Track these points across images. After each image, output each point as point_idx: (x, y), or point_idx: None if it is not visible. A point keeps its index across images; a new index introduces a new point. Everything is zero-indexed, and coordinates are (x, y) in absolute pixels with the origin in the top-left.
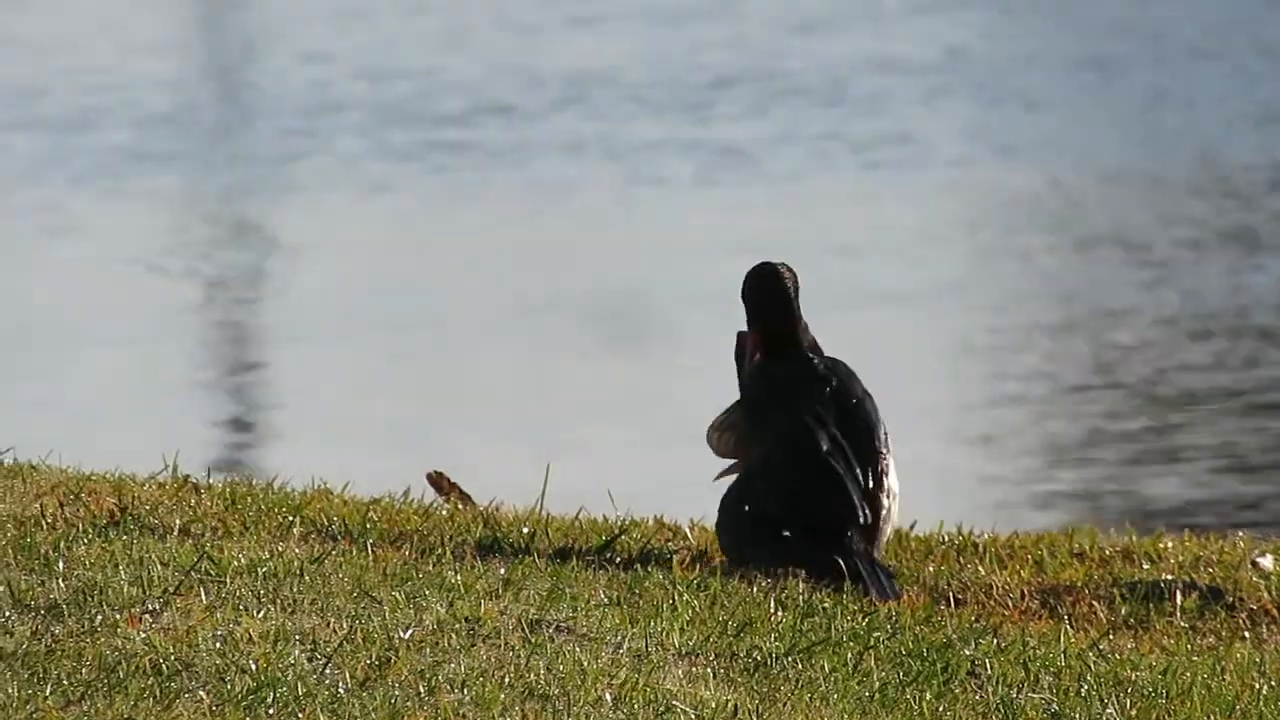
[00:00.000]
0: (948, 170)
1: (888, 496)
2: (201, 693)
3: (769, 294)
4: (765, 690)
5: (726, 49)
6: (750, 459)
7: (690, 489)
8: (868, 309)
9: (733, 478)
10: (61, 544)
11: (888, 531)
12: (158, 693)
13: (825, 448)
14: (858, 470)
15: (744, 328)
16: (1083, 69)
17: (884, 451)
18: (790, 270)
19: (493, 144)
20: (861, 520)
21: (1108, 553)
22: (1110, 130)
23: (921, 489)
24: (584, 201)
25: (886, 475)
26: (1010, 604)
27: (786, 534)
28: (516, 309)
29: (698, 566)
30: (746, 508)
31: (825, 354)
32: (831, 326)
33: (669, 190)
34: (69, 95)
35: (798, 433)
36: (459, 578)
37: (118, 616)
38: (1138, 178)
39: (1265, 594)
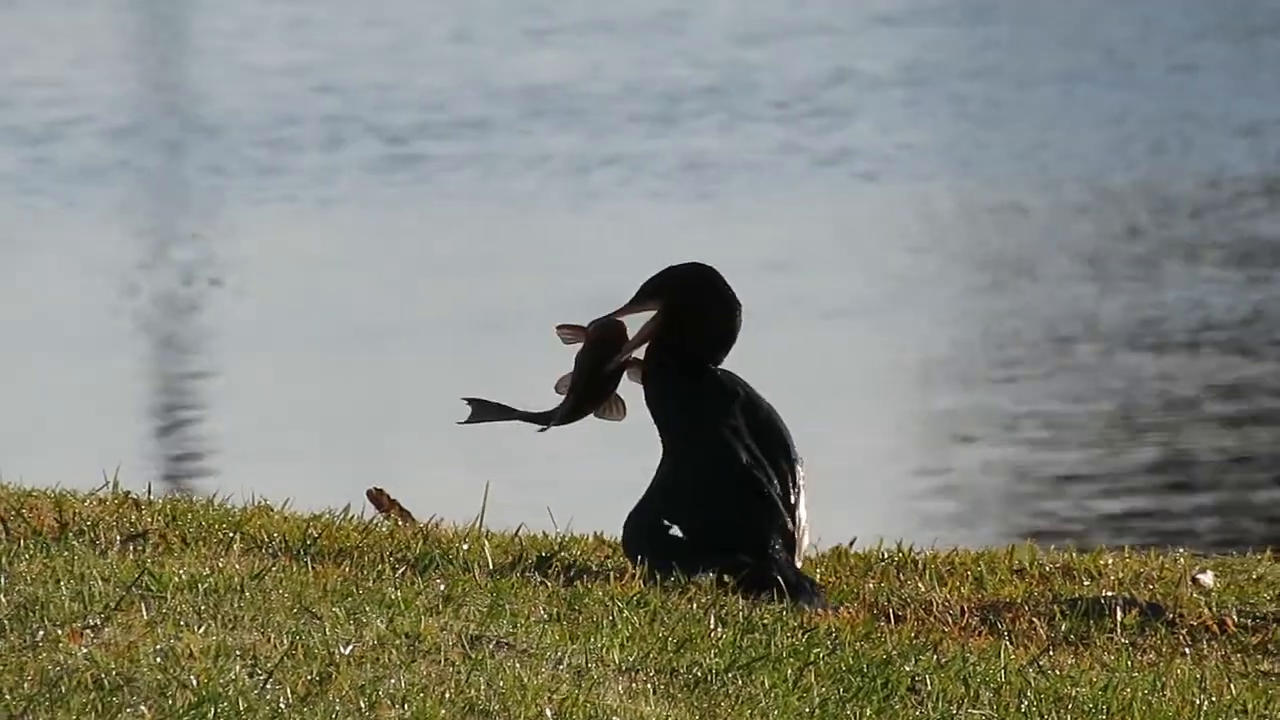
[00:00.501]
0: (898, 184)
1: (804, 507)
2: (143, 708)
3: (726, 302)
4: (705, 706)
5: (683, 62)
6: (664, 470)
7: (630, 504)
8: (808, 323)
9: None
10: (2, 559)
11: (805, 542)
12: (100, 707)
13: (745, 460)
14: (776, 482)
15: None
16: (1041, 82)
17: (798, 462)
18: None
19: (441, 158)
20: (787, 529)
21: (1048, 569)
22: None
23: (861, 505)
24: (535, 214)
25: (802, 486)
26: (950, 620)
27: (709, 548)
28: (460, 323)
29: (637, 582)
30: (666, 524)
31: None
32: (772, 340)
33: (621, 202)
34: (20, 107)
35: (718, 448)
36: (399, 594)
37: (59, 632)
38: (1096, 191)
39: (1205, 610)
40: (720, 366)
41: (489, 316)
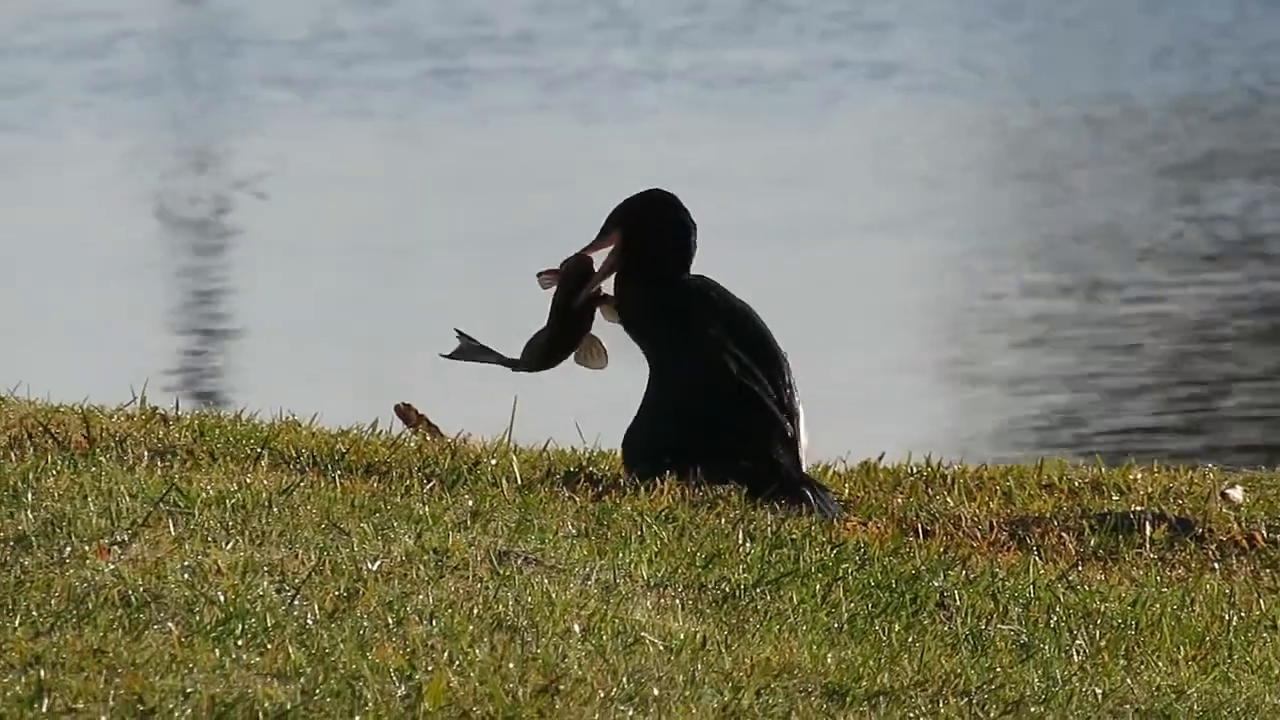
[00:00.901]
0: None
1: (799, 401)
2: (170, 624)
3: (679, 219)
4: (734, 621)
5: None
6: (656, 387)
7: None
8: (830, 239)
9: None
10: (30, 475)
11: (805, 439)
12: (126, 624)
13: (734, 369)
14: (767, 383)
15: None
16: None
17: (784, 357)
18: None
19: (493, 71)
20: (788, 433)
21: (1077, 484)
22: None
23: (889, 420)
24: (581, 128)
25: (792, 378)
26: (979, 535)
27: (711, 462)
28: (486, 238)
29: (666, 497)
30: (663, 438)
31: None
32: (793, 256)
33: (647, 119)
34: (50, 23)
35: (705, 357)
36: (427, 509)
37: (86, 548)
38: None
39: (1234, 525)
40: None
41: (523, 231)
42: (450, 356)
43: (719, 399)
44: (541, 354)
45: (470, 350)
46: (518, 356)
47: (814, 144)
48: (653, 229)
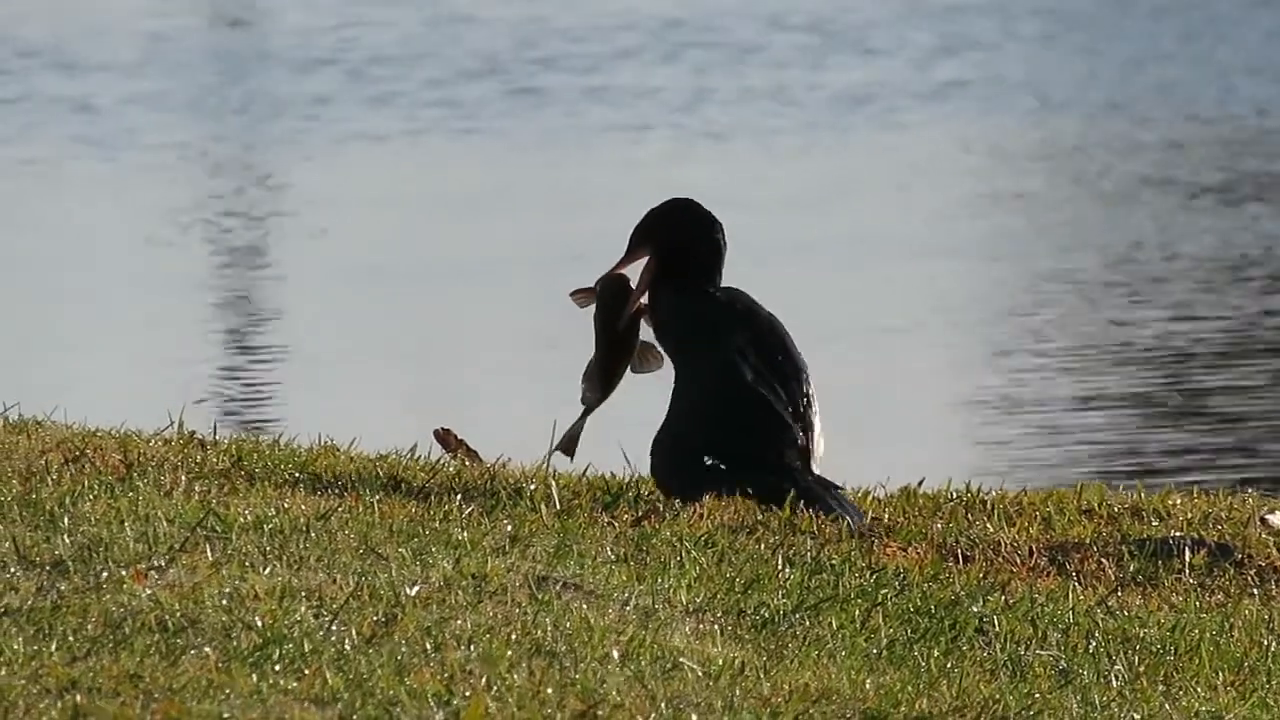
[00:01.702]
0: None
1: (816, 416)
2: (207, 649)
3: (706, 226)
4: (773, 647)
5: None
6: (679, 393)
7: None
8: (865, 264)
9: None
10: (67, 500)
11: (820, 447)
12: (163, 649)
13: (750, 377)
14: (783, 394)
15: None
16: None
17: (804, 368)
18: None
19: (555, 91)
20: (797, 441)
21: (1116, 510)
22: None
23: (929, 446)
24: (601, 151)
25: (811, 390)
26: (1018, 561)
27: (725, 467)
28: (525, 261)
29: (705, 523)
30: (685, 447)
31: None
32: (828, 280)
33: (687, 140)
34: (78, 41)
35: (724, 366)
36: (466, 534)
37: (123, 573)
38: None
39: (1274, 551)
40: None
41: (568, 252)
42: (562, 449)
43: (733, 405)
44: (601, 382)
45: (570, 435)
46: (582, 395)
47: (862, 164)
48: (684, 239)
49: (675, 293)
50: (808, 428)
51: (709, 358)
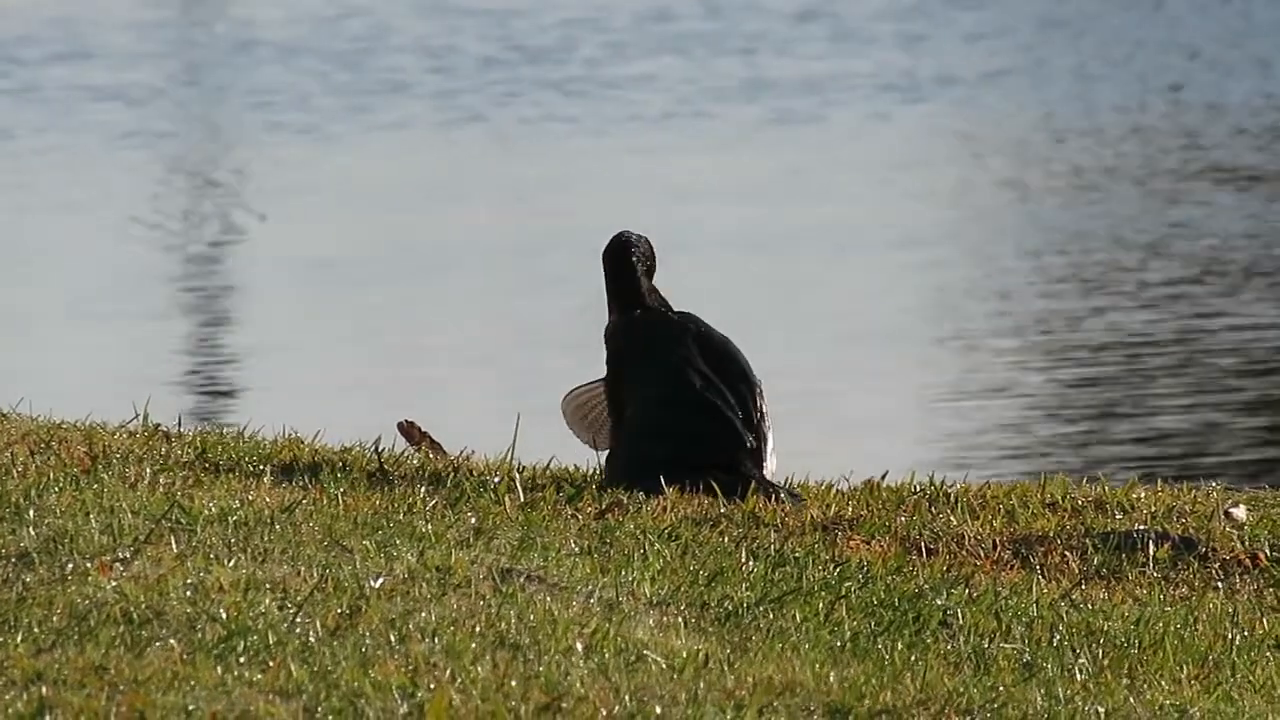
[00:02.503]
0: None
1: (768, 425)
2: (172, 641)
3: (617, 260)
4: (737, 639)
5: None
6: (625, 412)
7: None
8: (835, 256)
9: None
10: (32, 492)
11: (772, 463)
12: (129, 640)
13: (698, 384)
14: (733, 401)
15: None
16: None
17: (757, 384)
18: (641, 240)
19: (472, 87)
20: (748, 445)
21: (1080, 503)
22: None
23: (893, 439)
24: (569, 145)
25: (764, 405)
26: (982, 554)
27: (679, 469)
28: (489, 252)
29: (669, 515)
30: (636, 456)
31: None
32: (797, 271)
33: (649, 132)
34: (44, 31)
35: (671, 376)
36: (430, 527)
37: (88, 565)
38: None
39: (1238, 544)
40: (678, 310)
41: (531, 243)
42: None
43: (682, 411)
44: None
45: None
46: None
47: (838, 157)
48: (609, 271)
49: (622, 313)
50: (760, 437)
51: (656, 366)
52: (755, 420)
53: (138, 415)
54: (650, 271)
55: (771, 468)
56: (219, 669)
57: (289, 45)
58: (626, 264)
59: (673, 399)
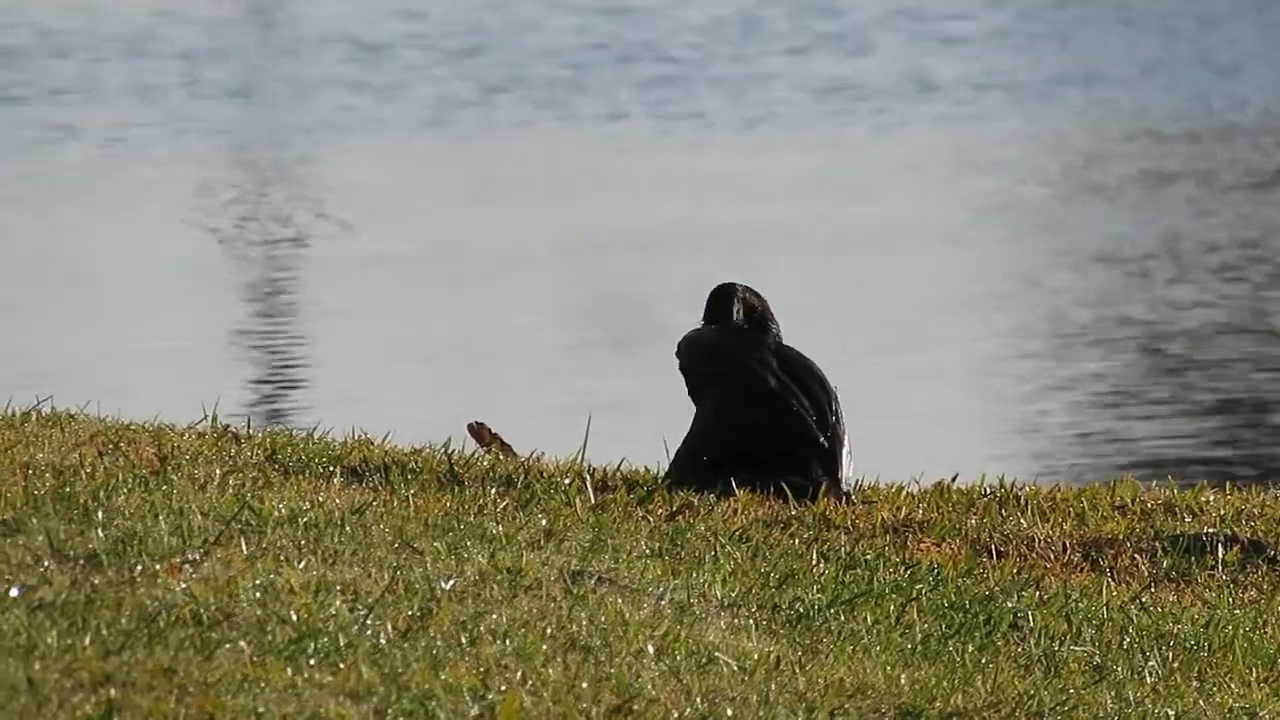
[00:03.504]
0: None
1: (845, 435)
2: (242, 643)
3: (715, 308)
4: (807, 642)
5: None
6: (703, 404)
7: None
8: (888, 255)
9: None
10: (101, 493)
11: (847, 468)
12: (198, 643)
13: (774, 384)
14: (807, 403)
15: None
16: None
17: (834, 395)
18: (748, 291)
19: (542, 89)
20: (820, 441)
21: (1149, 506)
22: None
23: (963, 441)
24: (635, 148)
25: (840, 410)
26: (1052, 556)
27: (749, 469)
28: (557, 252)
29: (740, 518)
30: (705, 457)
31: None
32: (852, 271)
33: (714, 134)
34: (111, 25)
35: (746, 376)
36: (500, 528)
37: (157, 566)
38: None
39: None
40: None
41: (597, 242)
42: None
43: (754, 404)
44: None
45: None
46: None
47: (891, 156)
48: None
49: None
50: (834, 439)
51: (731, 369)
52: (830, 421)
53: (207, 416)
54: (751, 318)
55: (847, 474)
56: (289, 671)
57: (357, 42)
58: (723, 310)
59: (746, 394)
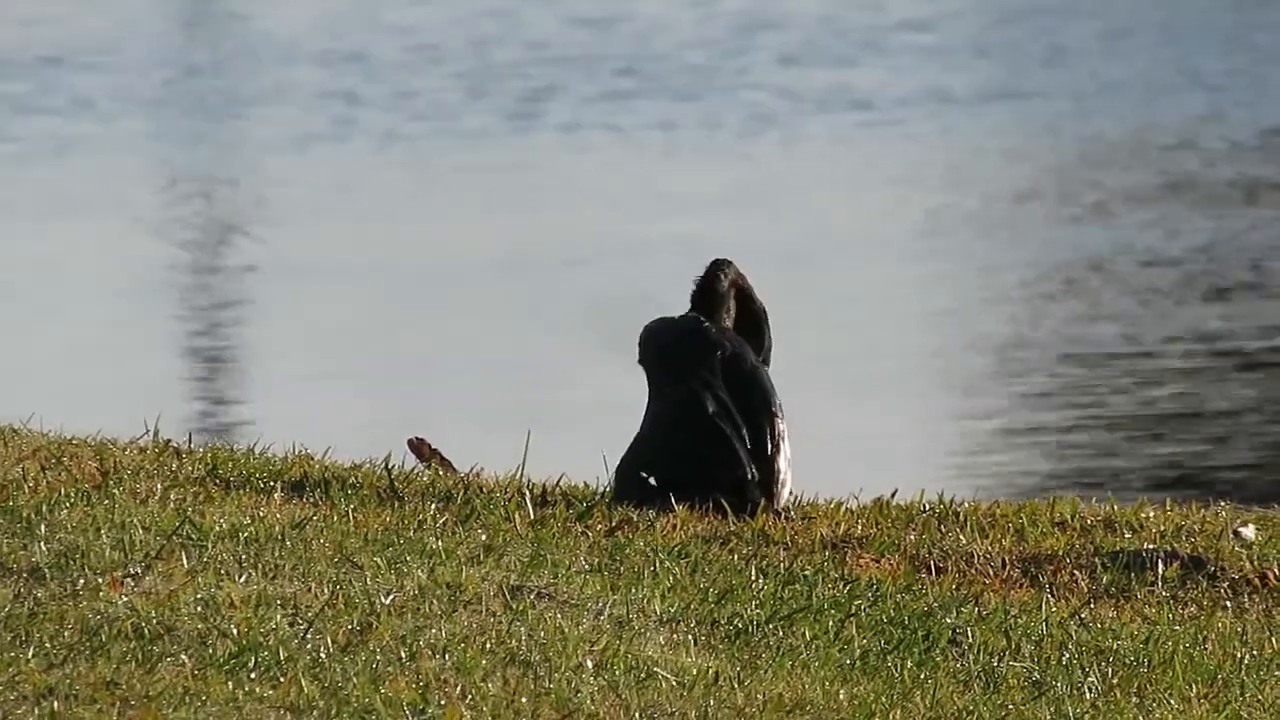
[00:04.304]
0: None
1: (784, 458)
2: (184, 656)
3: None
4: (746, 657)
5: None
6: (644, 421)
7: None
8: (851, 266)
9: None
10: (43, 508)
11: (784, 494)
12: (140, 656)
13: (712, 409)
14: (745, 431)
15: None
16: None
17: (777, 414)
18: (729, 268)
19: (490, 101)
20: (750, 478)
21: (1089, 521)
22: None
23: (901, 457)
24: (583, 163)
25: (781, 437)
26: (991, 572)
27: (685, 492)
28: (496, 267)
29: (679, 533)
30: (642, 472)
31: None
32: (808, 281)
33: (662, 148)
34: (50, 34)
35: (685, 398)
36: (440, 543)
37: (100, 580)
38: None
39: (1247, 563)
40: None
41: (539, 259)
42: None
43: (690, 434)
44: None
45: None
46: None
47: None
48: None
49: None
50: (771, 472)
51: (673, 387)
52: (769, 453)
53: (148, 431)
54: (739, 296)
55: (783, 501)
56: (230, 685)
57: (307, 51)
58: (710, 297)
59: (681, 424)
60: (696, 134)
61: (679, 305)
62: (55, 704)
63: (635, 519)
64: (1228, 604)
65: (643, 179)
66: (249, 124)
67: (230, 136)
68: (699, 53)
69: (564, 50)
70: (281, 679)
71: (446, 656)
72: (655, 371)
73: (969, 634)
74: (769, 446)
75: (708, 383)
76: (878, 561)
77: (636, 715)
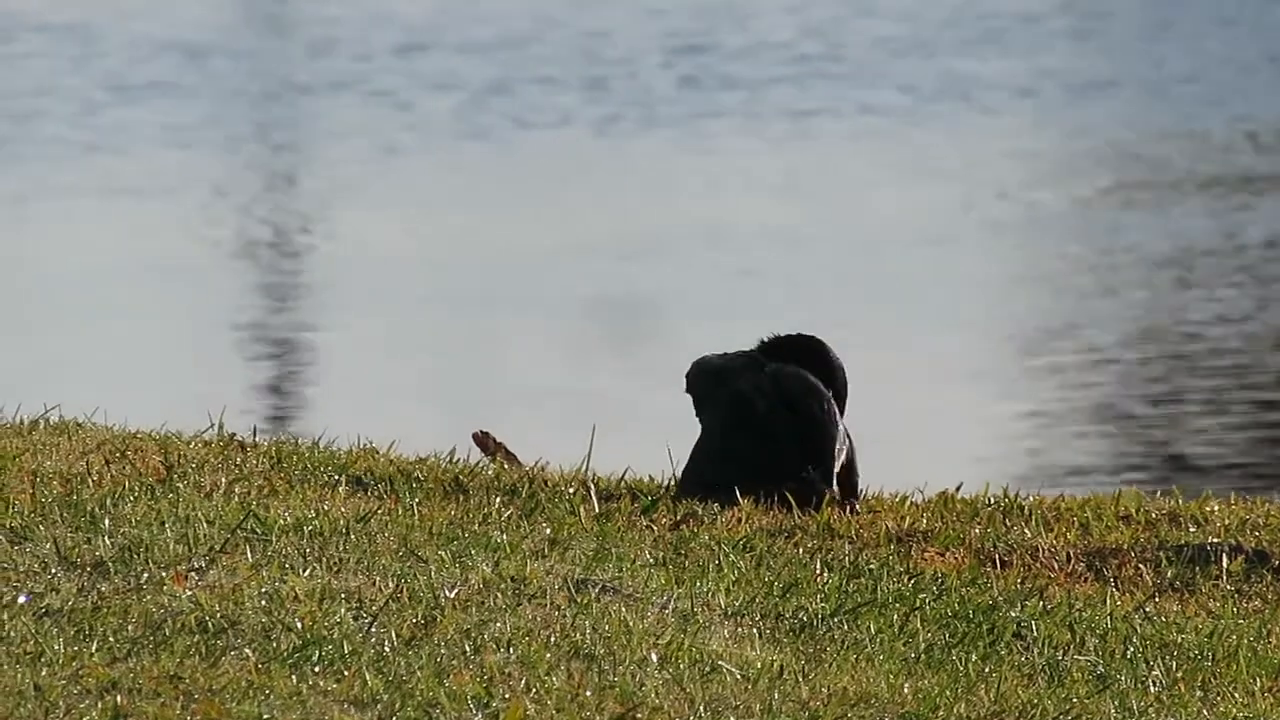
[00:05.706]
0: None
1: (845, 447)
2: (247, 650)
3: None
4: (811, 651)
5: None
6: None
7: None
8: (912, 251)
9: None
10: (108, 502)
11: (857, 483)
12: (203, 650)
13: (761, 408)
14: (805, 427)
15: None
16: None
17: (832, 410)
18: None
19: (566, 103)
20: (804, 475)
21: (1154, 515)
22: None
23: (968, 451)
24: (653, 165)
25: (839, 436)
26: (1056, 566)
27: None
28: (564, 261)
29: (744, 526)
30: (704, 479)
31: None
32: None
33: (737, 152)
34: (116, 32)
35: (736, 402)
36: (505, 537)
37: (164, 574)
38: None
39: None
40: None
41: (606, 252)
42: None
43: (742, 439)
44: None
45: None
46: None
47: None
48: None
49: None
50: (826, 474)
51: (725, 395)
52: (830, 446)
53: (213, 425)
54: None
55: (857, 490)
56: (294, 678)
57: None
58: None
59: (735, 427)
60: (811, 122)
61: (783, 292)
62: (119, 698)
63: (700, 513)
64: None
65: (708, 166)
66: (329, 110)
67: (306, 124)
68: (812, 42)
69: (689, 39)
70: (345, 673)
71: (511, 650)
72: (710, 390)
73: (1033, 628)
74: (833, 444)
75: (759, 385)
76: (942, 555)
77: (701, 709)
